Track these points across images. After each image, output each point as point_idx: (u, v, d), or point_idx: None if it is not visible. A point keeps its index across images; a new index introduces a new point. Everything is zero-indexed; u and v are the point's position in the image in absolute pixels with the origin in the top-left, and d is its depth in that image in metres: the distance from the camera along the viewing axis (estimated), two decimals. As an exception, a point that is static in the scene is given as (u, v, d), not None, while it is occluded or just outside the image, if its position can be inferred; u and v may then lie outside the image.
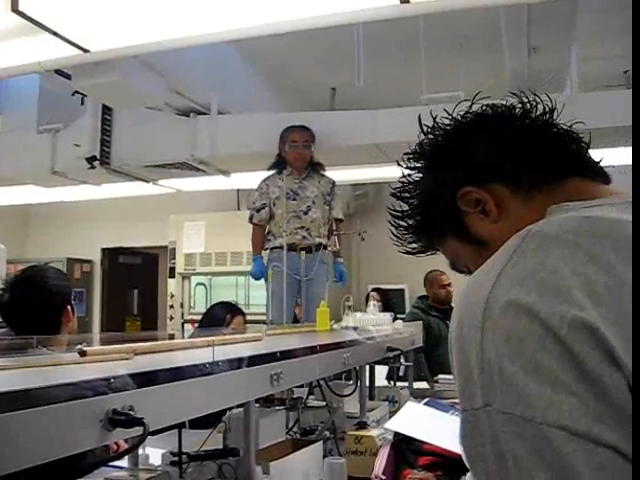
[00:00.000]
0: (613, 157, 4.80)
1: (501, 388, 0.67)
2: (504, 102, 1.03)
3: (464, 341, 0.73)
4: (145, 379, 1.26)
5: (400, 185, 1.08)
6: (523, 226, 0.81)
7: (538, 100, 1.01)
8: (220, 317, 3.87)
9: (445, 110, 1.08)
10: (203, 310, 7.40)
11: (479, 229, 0.96)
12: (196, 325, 5.15)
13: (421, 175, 1.06)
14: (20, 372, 1.32)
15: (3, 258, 5.68)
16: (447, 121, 1.06)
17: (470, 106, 1.06)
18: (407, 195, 1.07)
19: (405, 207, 1.08)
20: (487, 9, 3.34)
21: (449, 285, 5.38)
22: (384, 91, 5.39)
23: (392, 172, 5.53)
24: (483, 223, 0.95)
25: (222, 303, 4.26)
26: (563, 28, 4.23)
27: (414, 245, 1.13)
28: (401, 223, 1.09)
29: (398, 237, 1.11)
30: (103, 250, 8.92)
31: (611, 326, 0.64)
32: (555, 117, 1.00)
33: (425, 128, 1.07)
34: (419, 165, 1.06)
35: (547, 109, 1.00)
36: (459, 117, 1.05)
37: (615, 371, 0.63)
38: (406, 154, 1.07)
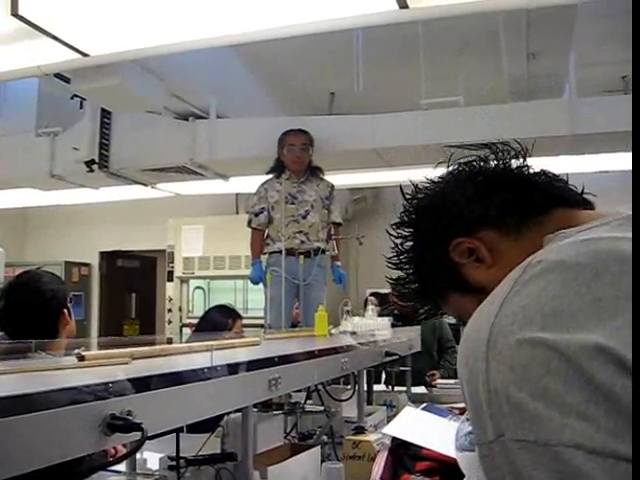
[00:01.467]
0: (612, 162, 4.82)
1: (511, 416, 0.67)
2: (477, 156, 1.09)
3: (471, 373, 0.73)
4: (143, 384, 1.26)
5: (394, 256, 1.13)
6: (519, 263, 0.82)
7: (509, 147, 1.06)
8: (218, 321, 3.86)
9: (424, 177, 1.14)
10: (201, 314, 7.43)
11: (477, 277, 0.97)
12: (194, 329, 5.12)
13: (411, 242, 1.10)
14: (18, 377, 1.32)
15: (2, 261, 5.68)
16: (427, 184, 1.12)
17: (448, 166, 1.12)
18: (402, 264, 1.12)
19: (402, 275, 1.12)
20: (486, 14, 3.35)
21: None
22: (383, 96, 5.40)
23: (391, 177, 5.58)
24: (479, 270, 0.97)
25: (220, 307, 4.26)
26: (562, 34, 4.24)
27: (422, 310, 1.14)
28: (403, 291, 1.13)
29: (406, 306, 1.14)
30: (101, 253, 8.92)
31: (621, 338, 0.64)
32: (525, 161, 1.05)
33: (407, 195, 1.13)
34: (407, 233, 1.11)
35: (519, 152, 1.05)
36: (437, 179, 1.11)
37: (627, 380, 0.62)
38: (393, 225, 1.13)
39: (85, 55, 3.24)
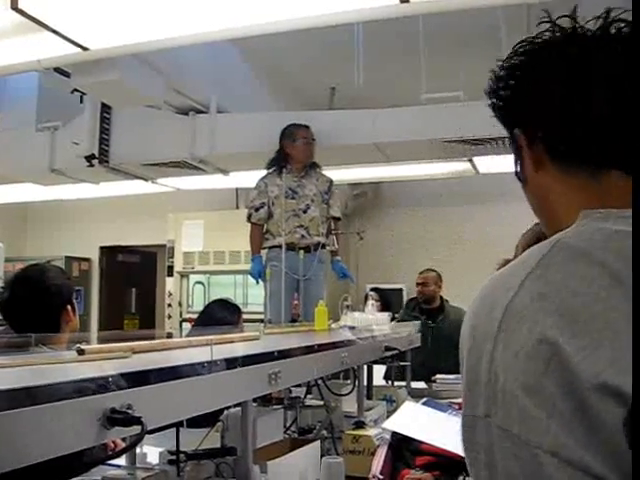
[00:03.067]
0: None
1: (503, 403, 0.68)
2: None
3: (475, 347, 0.73)
4: (143, 378, 1.26)
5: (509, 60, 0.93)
6: (547, 195, 0.82)
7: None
8: (218, 316, 3.86)
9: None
10: (201, 309, 7.43)
11: (525, 164, 0.90)
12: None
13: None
14: (18, 370, 1.32)
15: (1, 256, 5.69)
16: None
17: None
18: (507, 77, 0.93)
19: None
20: (487, 9, 3.34)
21: (423, 284, 5.31)
22: (384, 91, 5.39)
23: (391, 172, 5.57)
24: (527, 167, 0.90)
25: (220, 301, 4.25)
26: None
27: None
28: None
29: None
30: (101, 248, 8.90)
31: (622, 363, 0.63)
32: None
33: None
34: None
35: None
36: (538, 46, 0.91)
37: (615, 407, 0.63)
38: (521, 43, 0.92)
39: (85, 49, 3.23)
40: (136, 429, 1.15)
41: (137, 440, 1.17)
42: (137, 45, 3.33)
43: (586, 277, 0.69)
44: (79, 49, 3.22)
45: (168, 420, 1.38)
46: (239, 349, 1.88)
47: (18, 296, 2.45)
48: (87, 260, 8.92)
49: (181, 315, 7.55)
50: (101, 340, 2.04)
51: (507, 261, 1.81)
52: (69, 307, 2.52)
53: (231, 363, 1.58)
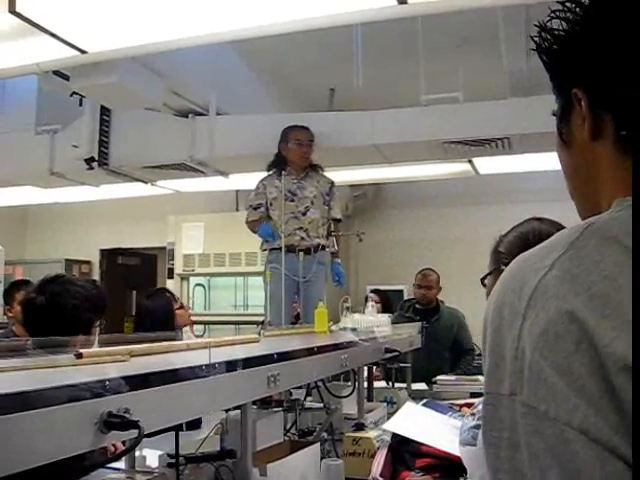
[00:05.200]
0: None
1: (529, 381, 0.67)
2: None
3: (502, 323, 0.72)
4: (141, 381, 1.26)
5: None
6: (594, 168, 0.78)
7: None
8: (150, 310, 3.77)
9: None
10: (202, 311, 7.44)
11: (576, 127, 0.82)
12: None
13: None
14: (15, 374, 1.32)
15: (1, 259, 5.68)
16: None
17: None
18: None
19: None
20: (485, 10, 3.34)
21: (427, 288, 5.28)
22: (383, 92, 5.40)
23: (391, 173, 5.56)
24: (580, 129, 0.81)
25: (151, 294, 4.13)
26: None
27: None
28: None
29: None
30: (102, 251, 8.91)
31: None
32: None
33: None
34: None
35: None
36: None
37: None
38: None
39: (83, 52, 3.24)
40: (133, 433, 1.15)
41: (135, 444, 1.17)
42: (136, 48, 3.34)
43: (618, 263, 0.67)
44: (77, 52, 3.23)
45: (166, 423, 1.38)
46: (238, 352, 1.88)
47: (38, 316, 2.38)
48: (87, 263, 8.91)
49: (181, 317, 7.54)
50: (99, 343, 2.03)
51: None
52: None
53: (230, 366, 1.58)
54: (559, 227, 1.66)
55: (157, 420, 1.30)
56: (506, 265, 1.68)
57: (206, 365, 1.46)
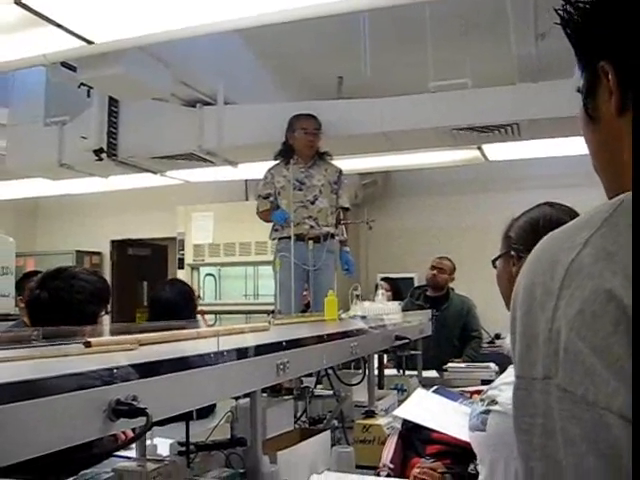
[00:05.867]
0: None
1: (565, 363, 0.64)
2: None
3: (534, 304, 0.69)
4: (149, 369, 1.26)
5: None
6: (623, 144, 0.74)
7: None
8: (164, 301, 3.73)
9: None
10: (213, 301, 7.45)
11: (603, 102, 0.80)
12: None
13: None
14: (24, 364, 1.32)
15: (12, 251, 5.70)
16: None
17: None
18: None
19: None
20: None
21: (439, 270, 5.30)
22: (391, 79, 5.37)
23: (400, 161, 5.55)
24: (607, 104, 0.79)
25: (167, 283, 4.10)
26: (571, 13, 4.18)
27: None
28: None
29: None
30: (112, 242, 8.93)
31: None
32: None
33: None
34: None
35: None
36: None
37: None
38: None
39: (90, 43, 3.23)
40: (142, 420, 1.15)
41: (143, 431, 1.17)
42: (142, 38, 3.33)
43: None
44: (84, 43, 3.22)
45: (175, 411, 1.38)
46: (247, 340, 1.88)
47: (43, 308, 2.38)
48: (98, 254, 8.95)
49: (192, 307, 7.56)
50: (111, 332, 2.04)
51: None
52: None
53: (239, 353, 1.57)
54: (571, 213, 1.65)
55: (165, 408, 1.30)
56: (516, 250, 1.67)
57: (215, 353, 1.46)
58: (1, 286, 5.35)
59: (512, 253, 1.71)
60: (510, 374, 1.59)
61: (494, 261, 1.80)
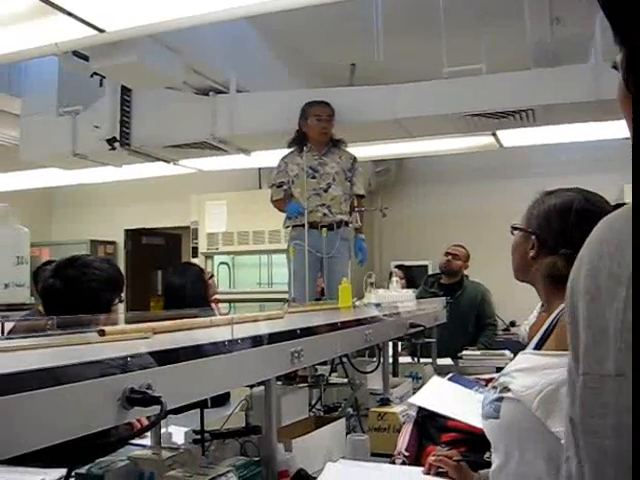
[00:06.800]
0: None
1: None
2: None
3: (601, 293, 0.64)
4: (163, 357, 1.26)
5: None
6: None
7: None
8: (177, 286, 3.73)
9: None
10: (227, 289, 7.46)
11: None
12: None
13: None
14: (39, 352, 1.32)
15: (27, 241, 5.73)
16: None
17: None
18: None
19: None
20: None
21: (453, 256, 5.28)
22: (404, 66, 5.34)
23: (413, 147, 5.51)
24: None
25: (177, 267, 4.09)
26: (586, -3, 4.15)
27: None
28: None
29: None
30: (126, 231, 8.97)
31: None
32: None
33: None
34: None
35: None
36: None
37: None
38: None
39: (101, 31, 3.23)
40: (156, 409, 1.14)
41: (157, 419, 1.16)
42: (154, 25, 3.32)
43: None
44: (96, 31, 3.21)
45: (189, 399, 1.38)
46: (261, 328, 1.87)
47: (56, 298, 2.38)
48: (112, 243, 8.98)
49: (206, 296, 7.58)
50: (126, 321, 2.04)
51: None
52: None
53: (253, 341, 1.57)
54: (604, 202, 1.62)
55: (180, 396, 1.30)
56: (535, 234, 1.63)
57: (229, 341, 1.45)
58: (17, 276, 5.38)
59: (532, 238, 1.69)
60: (522, 360, 1.57)
61: (514, 228, 1.78)
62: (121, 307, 2.65)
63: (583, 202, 1.63)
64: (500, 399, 1.54)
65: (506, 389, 1.53)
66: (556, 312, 1.59)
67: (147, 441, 2.04)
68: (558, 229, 1.63)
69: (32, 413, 0.97)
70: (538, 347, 1.58)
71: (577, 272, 0.69)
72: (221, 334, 1.51)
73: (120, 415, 1.12)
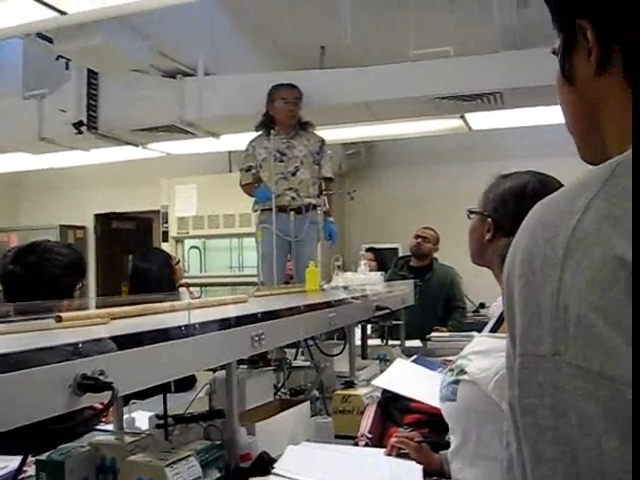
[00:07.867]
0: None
1: (576, 338, 0.60)
2: None
3: (534, 277, 0.64)
4: (118, 343, 1.25)
5: None
6: (601, 105, 0.72)
7: None
8: (143, 270, 3.72)
9: None
10: (198, 273, 7.45)
11: (580, 63, 0.77)
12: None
13: None
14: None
15: (-6, 226, 5.68)
16: None
17: None
18: None
19: None
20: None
21: (423, 239, 5.31)
22: (373, 48, 5.33)
23: (382, 130, 5.51)
24: (582, 65, 0.77)
25: (142, 254, 4.07)
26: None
27: None
28: None
29: None
30: (96, 216, 8.88)
31: None
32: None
33: None
34: None
35: None
36: None
37: None
38: None
39: (63, 13, 3.18)
40: (108, 394, 1.14)
41: (108, 405, 1.16)
42: (117, 8, 3.29)
43: None
44: (57, 13, 3.17)
45: (145, 384, 1.38)
46: (223, 312, 1.87)
47: (15, 285, 2.36)
48: (82, 228, 8.89)
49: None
50: (82, 307, 2.03)
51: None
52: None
53: (211, 326, 1.57)
54: (556, 183, 1.64)
55: (135, 381, 1.30)
56: (493, 218, 1.65)
57: (185, 326, 1.45)
58: (-17, 262, 5.32)
59: (489, 220, 1.71)
60: (478, 343, 1.59)
61: (471, 212, 1.80)
62: (92, 292, 2.64)
63: (537, 184, 1.65)
64: (457, 382, 1.56)
65: (463, 372, 1.55)
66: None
67: (110, 426, 2.03)
68: (513, 211, 1.64)
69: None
70: (494, 330, 1.60)
71: (512, 258, 0.69)
72: (180, 319, 1.51)
73: (72, 401, 1.12)
